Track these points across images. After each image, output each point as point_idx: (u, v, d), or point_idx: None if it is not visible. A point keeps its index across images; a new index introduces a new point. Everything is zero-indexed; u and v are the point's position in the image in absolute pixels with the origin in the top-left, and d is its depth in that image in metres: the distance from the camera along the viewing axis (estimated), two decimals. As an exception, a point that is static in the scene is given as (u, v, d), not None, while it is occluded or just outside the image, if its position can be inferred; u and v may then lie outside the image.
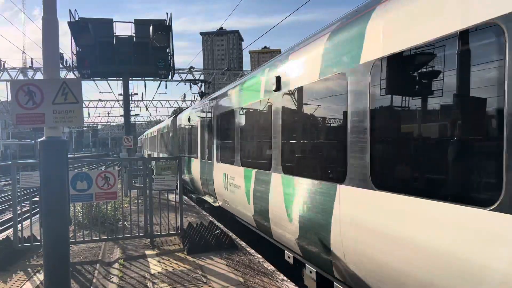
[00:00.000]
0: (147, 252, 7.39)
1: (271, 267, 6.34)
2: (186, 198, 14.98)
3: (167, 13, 17.19)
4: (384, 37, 3.67)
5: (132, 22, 15.57)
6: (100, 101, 51.33)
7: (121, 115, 50.22)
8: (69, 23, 13.65)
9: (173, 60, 15.70)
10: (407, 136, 3.62)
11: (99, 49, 14.55)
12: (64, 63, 19.06)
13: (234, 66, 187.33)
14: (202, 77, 36.44)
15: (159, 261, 6.74)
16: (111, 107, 65.01)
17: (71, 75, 18.30)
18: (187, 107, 21.62)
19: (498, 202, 2.45)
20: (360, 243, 4.01)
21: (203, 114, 12.38)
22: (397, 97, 3.67)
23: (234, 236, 8.29)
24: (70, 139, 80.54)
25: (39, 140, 4.95)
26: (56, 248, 4.83)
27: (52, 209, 4.80)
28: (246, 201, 7.65)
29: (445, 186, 3.02)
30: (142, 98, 53.78)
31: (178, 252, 7.29)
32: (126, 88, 16.58)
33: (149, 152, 34.28)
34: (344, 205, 4.27)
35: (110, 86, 50.68)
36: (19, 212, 7.45)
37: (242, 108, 8.28)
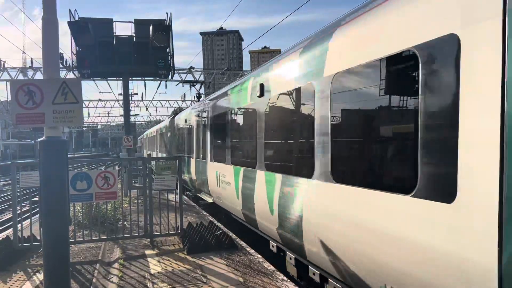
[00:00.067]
0: (147, 252, 7.39)
1: (271, 267, 6.34)
2: (186, 198, 14.99)
3: (167, 13, 17.19)
4: (340, 55, 4.44)
5: (132, 22, 15.56)
6: (100, 101, 51.39)
7: (121, 115, 50.25)
8: (69, 23, 13.64)
9: (173, 60, 15.69)
10: (355, 139, 4.35)
11: (99, 49, 14.54)
12: (64, 63, 19.05)
13: (234, 66, 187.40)
14: (202, 77, 36.50)
15: (159, 261, 6.75)
16: (111, 107, 65.23)
17: (71, 75, 18.30)
18: (187, 107, 21.77)
19: (415, 190, 3.28)
20: (323, 227, 4.79)
21: (198, 116, 13.07)
22: (348, 106, 4.47)
23: (234, 236, 8.29)
24: (70, 139, 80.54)
25: (39, 140, 4.95)
26: (56, 248, 4.83)
27: (52, 209, 4.80)
28: (236, 196, 8.33)
29: (381, 179, 3.83)
30: (142, 98, 53.88)
31: (178, 252, 7.29)
32: (126, 88, 16.57)
33: (149, 152, 34.32)
34: (311, 195, 5.07)
35: (110, 86, 50.68)
36: (19, 212, 7.45)
37: (232, 111, 8.98)
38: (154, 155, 29.90)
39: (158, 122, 49.88)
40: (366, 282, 4.06)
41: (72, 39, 14.18)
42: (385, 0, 3.89)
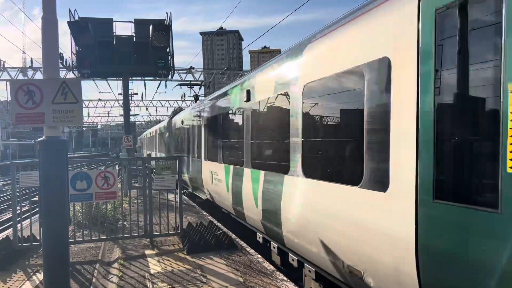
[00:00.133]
0: (147, 252, 7.39)
1: (271, 267, 6.34)
2: (186, 198, 15.00)
3: (167, 12, 17.18)
4: (309, 69, 5.22)
5: (132, 22, 15.54)
6: (100, 100, 51.38)
7: (120, 115, 50.23)
8: (69, 23, 13.63)
9: (173, 60, 15.68)
10: (319, 141, 5.10)
11: (99, 48, 14.52)
12: (64, 63, 19.04)
13: (234, 66, 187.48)
14: (202, 77, 36.50)
15: (158, 261, 6.75)
16: (111, 107, 65.26)
17: (70, 75, 18.29)
18: (187, 107, 21.89)
19: (361, 182, 4.00)
20: (292, 214, 5.58)
21: (194, 118, 13.81)
22: (314, 113, 5.18)
23: (234, 236, 8.29)
24: (70, 138, 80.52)
25: (38, 139, 4.95)
26: (56, 248, 4.83)
27: (52, 208, 4.80)
28: (227, 192, 9.00)
29: (338, 174, 4.60)
30: (142, 98, 53.86)
31: (178, 252, 7.29)
32: (126, 88, 16.57)
33: (149, 152, 34.36)
34: (287, 189, 5.78)
35: (110, 86, 50.74)
36: (18, 212, 7.45)
37: (223, 114, 9.70)
38: (153, 154, 30.04)
39: (158, 122, 49.89)
40: (327, 259, 4.77)
41: (72, 39, 14.16)
42: (341, 25, 4.67)
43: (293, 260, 6.04)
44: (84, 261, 6.88)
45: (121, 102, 39.32)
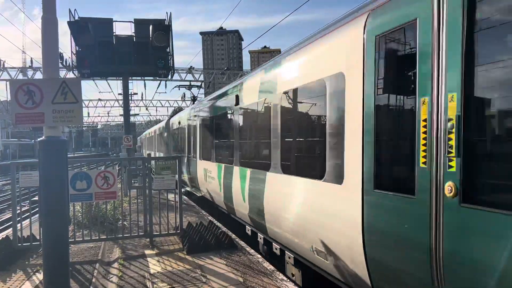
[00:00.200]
0: (147, 251, 7.39)
1: (271, 267, 6.34)
2: (186, 198, 15.00)
3: (166, 12, 17.19)
4: (285, 79, 6.07)
5: (132, 22, 15.52)
6: (100, 100, 51.32)
7: (120, 115, 50.24)
8: (69, 23, 13.62)
9: (173, 60, 15.68)
10: (293, 141, 5.86)
11: (99, 48, 14.51)
12: (64, 63, 19.03)
13: (234, 66, 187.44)
14: (202, 77, 36.49)
15: (158, 261, 6.74)
16: (111, 107, 65.18)
17: (70, 75, 18.29)
18: (187, 107, 22.01)
19: (324, 177, 4.77)
20: (273, 206, 6.39)
21: (190, 119, 14.57)
22: (289, 117, 5.97)
23: (233, 236, 8.29)
24: (70, 138, 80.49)
25: (38, 139, 4.95)
26: (56, 248, 4.83)
27: (52, 208, 4.80)
28: (219, 189, 9.70)
29: (308, 170, 5.34)
30: (142, 97, 53.85)
31: (178, 252, 7.29)
32: (125, 87, 16.56)
33: (148, 152, 34.41)
34: (268, 184, 6.57)
35: (110, 86, 50.73)
36: (18, 211, 7.45)
37: (216, 116, 10.45)
38: (152, 154, 30.16)
39: (157, 122, 49.91)
40: (299, 244, 5.61)
41: (72, 39, 14.15)
42: (310, 42, 5.49)
43: (276, 249, 6.73)
44: (84, 261, 6.88)
45: (121, 102, 39.33)
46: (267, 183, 6.59)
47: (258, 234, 7.61)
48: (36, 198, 10.63)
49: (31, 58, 33.81)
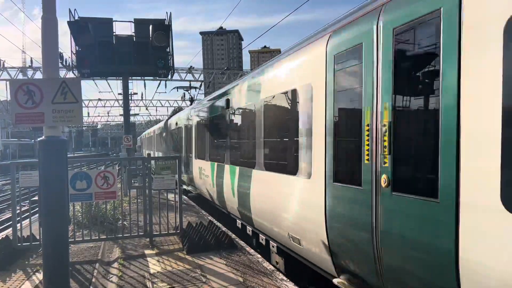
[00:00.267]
0: (147, 251, 7.39)
1: (271, 267, 6.34)
2: (186, 197, 15.01)
3: (166, 12, 17.18)
4: (266, 87, 6.90)
5: (132, 22, 15.52)
6: (100, 100, 51.29)
7: (120, 115, 50.23)
8: (69, 23, 13.62)
9: (173, 60, 15.68)
10: (273, 141, 6.62)
11: (99, 48, 14.51)
12: (64, 63, 19.04)
13: (234, 66, 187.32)
14: (201, 77, 36.46)
15: (158, 261, 6.74)
16: (111, 107, 65.16)
17: (70, 75, 18.28)
18: (187, 107, 22.16)
19: (297, 173, 5.55)
20: (257, 200, 7.17)
21: (186, 120, 15.32)
22: (269, 121, 6.73)
23: (233, 236, 8.29)
24: (70, 138, 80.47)
25: (38, 139, 4.95)
26: (56, 248, 4.83)
27: (52, 208, 4.80)
28: (212, 186, 10.54)
29: (285, 168, 6.05)
30: (142, 97, 53.80)
31: (178, 252, 7.29)
32: (125, 87, 16.56)
33: (148, 152, 34.46)
34: (254, 180, 7.29)
35: (109, 86, 50.67)
36: (18, 211, 7.45)
37: (210, 118, 11.25)
38: (152, 154, 30.34)
39: (157, 121, 49.92)
40: (278, 232, 6.37)
41: (72, 38, 14.16)
42: (286, 56, 6.33)
43: (262, 239, 7.52)
44: (83, 261, 6.88)
45: (121, 102, 39.33)
46: (253, 179, 7.35)
47: (248, 227, 8.36)
48: (36, 198, 10.63)
49: (31, 58, 33.82)
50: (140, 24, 15.31)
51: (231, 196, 8.66)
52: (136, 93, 45.21)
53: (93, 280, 5.95)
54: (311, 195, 5.17)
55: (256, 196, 7.19)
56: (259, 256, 7.01)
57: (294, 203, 5.69)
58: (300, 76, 5.57)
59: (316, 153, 5.03)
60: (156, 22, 14.95)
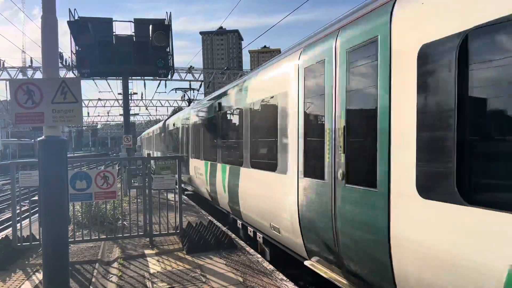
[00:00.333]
0: (146, 251, 7.39)
1: (270, 267, 6.34)
2: (186, 197, 15.01)
3: (166, 12, 17.17)
4: (251, 93, 7.70)
5: (132, 22, 15.51)
6: (100, 100, 51.27)
7: (120, 115, 50.20)
8: (69, 23, 13.62)
9: (173, 60, 15.67)
10: (257, 142, 7.34)
11: (99, 48, 14.49)
12: (64, 63, 19.03)
13: (234, 66, 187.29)
14: (201, 77, 36.45)
15: (158, 261, 6.74)
16: (111, 107, 65.18)
17: (70, 74, 18.27)
18: (186, 107, 22.28)
19: (276, 170, 6.28)
20: (245, 195, 7.84)
21: (183, 121, 16.12)
22: (255, 123, 7.48)
23: (233, 236, 8.29)
24: (70, 138, 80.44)
25: (38, 139, 4.94)
26: (55, 248, 4.83)
27: (51, 208, 4.80)
28: (206, 183, 11.28)
29: (267, 165, 6.74)
30: (142, 97, 53.78)
31: (177, 252, 7.28)
32: (125, 87, 16.56)
33: (148, 151, 34.51)
34: (242, 177, 8.02)
35: (109, 86, 50.65)
36: (18, 211, 7.45)
37: (204, 120, 12.04)
38: (151, 153, 30.47)
39: (157, 121, 49.90)
40: (262, 223, 7.06)
41: (72, 38, 14.15)
42: (269, 65, 7.11)
43: (250, 231, 8.19)
44: (83, 261, 6.88)
45: (120, 102, 39.32)
46: (241, 176, 8.08)
47: (238, 221, 9.07)
48: (36, 197, 10.62)
49: (31, 57, 33.80)
50: (140, 24, 15.29)
51: (223, 192, 9.36)
52: (136, 93, 45.21)
53: (93, 280, 5.95)
54: (287, 188, 5.92)
55: (244, 191, 7.91)
56: (259, 256, 7.01)
57: (274, 196, 6.41)
58: (278, 85, 6.36)
59: (291, 152, 5.81)
60: (156, 22, 14.94)
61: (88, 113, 60.09)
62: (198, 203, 13.75)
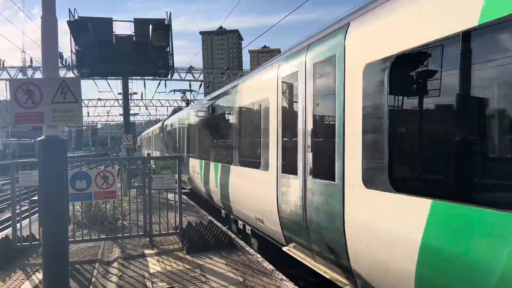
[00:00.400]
0: (146, 251, 7.38)
1: (270, 267, 6.34)
2: (186, 197, 15.00)
3: (166, 12, 17.17)
4: (241, 98, 8.43)
5: (132, 22, 15.49)
6: (100, 100, 51.25)
7: (120, 114, 50.16)
8: (69, 22, 13.61)
9: (173, 59, 15.65)
10: (244, 142, 8.21)
11: (99, 48, 14.48)
12: (64, 62, 19.01)
13: (234, 66, 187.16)
14: (201, 77, 36.45)
15: (158, 261, 6.74)
16: (111, 106, 65.25)
17: (70, 74, 18.26)
18: (186, 107, 22.40)
19: (260, 167, 7.01)
20: (235, 191, 8.62)
21: (180, 122, 17.07)
22: (243, 125, 8.30)
23: (233, 236, 8.29)
24: (70, 138, 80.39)
25: (38, 139, 4.94)
26: (55, 248, 4.83)
27: (51, 208, 4.80)
28: (201, 181, 12.06)
29: (252, 163, 7.44)
30: (142, 97, 53.76)
31: (177, 252, 7.28)
32: (125, 87, 16.55)
33: (148, 151, 34.55)
34: (232, 174, 8.78)
35: (109, 85, 50.66)
36: (18, 211, 7.45)
37: (198, 121, 13.02)
38: (151, 153, 30.65)
39: (157, 121, 49.91)
40: (249, 216, 7.85)
41: (72, 38, 14.13)
42: (255, 74, 7.96)
43: (240, 224, 9.07)
44: (83, 261, 6.88)
45: (120, 102, 39.31)
46: (231, 174, 8.85)
47: (230, 216, 9.89)
48: (36, 197, 10.61)
49: (31, 57, 33.79)
50: (140, 23, 15.27)
51: (215, 188, 10.19)
52: (136, 93, 45.23)
53: (93, 279, 5.95)
54: (268, 183, 6.65)
55: (234, 188, 8.67)
56: (258, 256, 7.02)
57: (258, 191, 7.14)
58: (261, 92, 7.16)
59: (271, 151, 6.58)
60: (156, 22, 14.93)
61: (88, 113, 60.10)
62: (198, 203, 13.75)
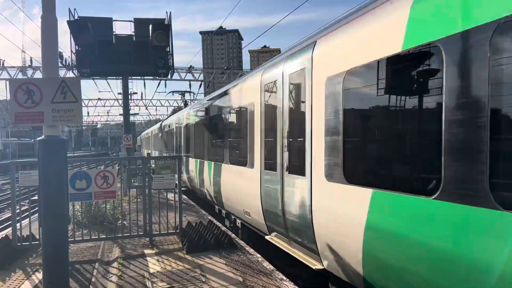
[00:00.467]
0: (146, 251, 7.38)
1: (270, 266, 6.34)
2: (186, 197, 15.00)
3: (166, 12, 17.16)
4: (233, 101, 8.99)
5: (132, 21, 15.49)
6: (100, 100, 51.23)
7: (120, 114, 50.15)
8: (69, 22, 13.60)
9: (173, 59, 15.64)
10: (233, 141, 8.86)
11: (99, 48, 14.46)
12: (64, 62, 19.00)
13: (234, 65, 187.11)
14: (201, 77, 36.43)
15: (158, 260, 6.74)
16: (111, 106, 65.20)
17: (70, 74, 18.25)
18: (186, 107, 22.51)
19: (247, 165, 7.73)
20: (226, 187, 9.29)
21: (177, 123, 17.71)
22: (233, 127, 8.99)
23: (233, 236, 8.29)
24: (70, 138, 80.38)
25: (38, 139, 4.94)
26: (55, 247, 4.82)
27: (51, 208, 4.79)
28: (196, 179, 12.77)
29: (241, 161, 8.08)
30: (142, 97, 53.74)
31: (177, 251, 7.28)
32: (125, 87, 16.54)
33: (148, 151, 34.60)
34: (223, 171, 9.46)
35: (109, 85, 50.65)
36: (18, 211, 7.45)
37: (194, 123, 13.70)
38: (151, 153, 30.78)
39: (157, 121, 49.90)
40: (239, 210, 8.49)
41: (72, 38, 14.12)
42: (242, 80, 8.66)
43: (233, 218, 9.56)
44: (83, 261, 6.88)
45: (120, 102, 39.31)
46: (223, 171, 9.51)
47: (222, 210, 10.59)
48: (36, 197, 10.61)
49: (31, 57, 33.74)
50: (140, 23, 15.26)
51: (209, 186, 10.93)
52: (136, 93, 45.27)
53: (93, 279, 5.95)
54: (253, 179, 7.32)
55: (225, 183, 9.35)
56: (258, 256, 7.02)
57: (246, 186, 7.79)
58: (247, 97, 7.87)
59: (256, 150, 7.28)
60: (156, 22, 14.92)
61: (88, 112, 60.03)
62: (198, 203, 13.75)
